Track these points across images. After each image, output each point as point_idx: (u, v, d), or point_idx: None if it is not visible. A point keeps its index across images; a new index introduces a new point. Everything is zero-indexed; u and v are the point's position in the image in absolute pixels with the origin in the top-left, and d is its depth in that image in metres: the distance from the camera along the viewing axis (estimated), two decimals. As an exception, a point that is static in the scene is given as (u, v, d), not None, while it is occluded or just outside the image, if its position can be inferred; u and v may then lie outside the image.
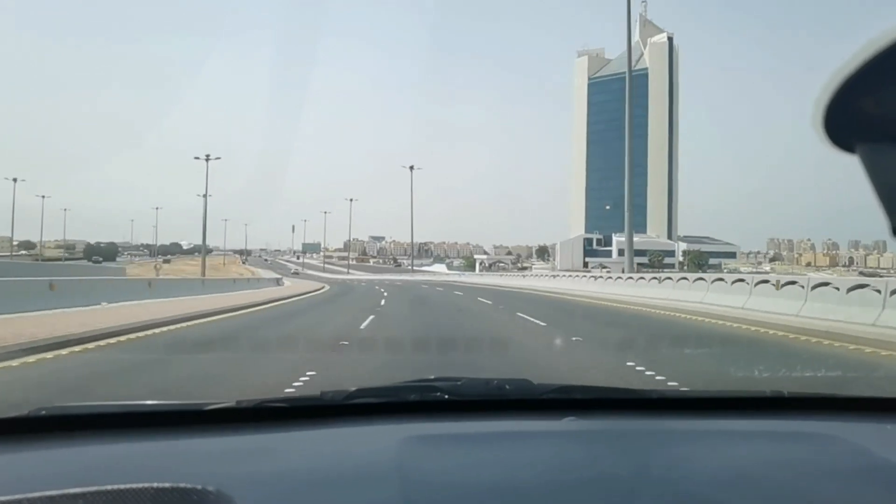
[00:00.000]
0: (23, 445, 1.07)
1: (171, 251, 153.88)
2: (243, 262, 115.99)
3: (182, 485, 0.83)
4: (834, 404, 1.47)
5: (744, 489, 0.93)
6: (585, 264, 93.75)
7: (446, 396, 1.36)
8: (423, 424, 1.26)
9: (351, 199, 65.93)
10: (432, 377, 1.50)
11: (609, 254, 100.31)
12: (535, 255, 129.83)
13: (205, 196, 37.26)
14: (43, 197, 74.78)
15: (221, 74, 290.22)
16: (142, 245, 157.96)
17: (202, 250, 42.75)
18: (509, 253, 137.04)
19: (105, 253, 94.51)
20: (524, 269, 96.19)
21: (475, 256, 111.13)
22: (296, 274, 69.63)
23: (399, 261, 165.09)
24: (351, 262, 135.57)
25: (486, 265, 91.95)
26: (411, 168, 53.28)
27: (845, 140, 0.39)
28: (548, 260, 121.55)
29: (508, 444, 1.16)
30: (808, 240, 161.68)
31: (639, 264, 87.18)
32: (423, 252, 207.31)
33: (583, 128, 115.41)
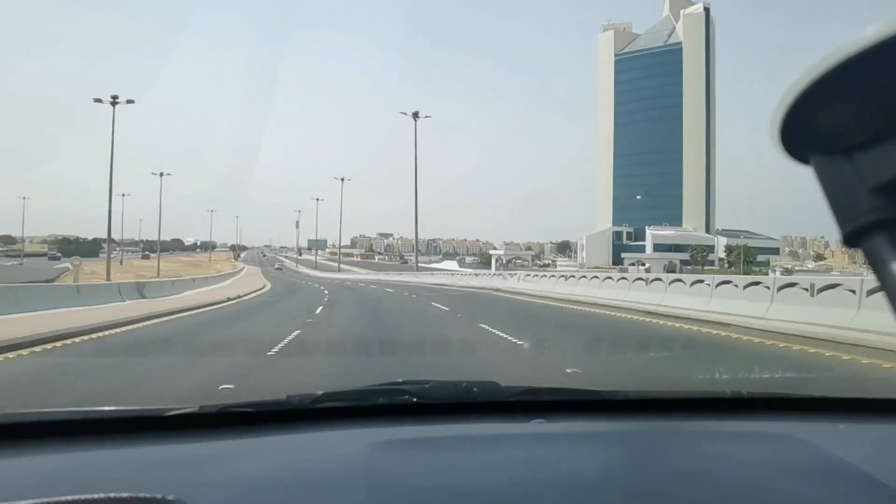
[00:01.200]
0: None
1: (172, 247, 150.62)
2: (236, 258, 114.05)
3: (141, 494, 0.80)
4: (790, 405, 1.49)
5: (705, 487, 0.96)
6: (615, 261, 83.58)
7: (414, 400, 1.35)
8: (390, 428, 1.24)
9: (343, 182, 58.20)
10: (400, 380, 1.47)
11: (642, 249, 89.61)
12: (555, 251, 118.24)
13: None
14: (24, 198, 78.91)
15: (213, 55, 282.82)
16: (143, 241, 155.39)
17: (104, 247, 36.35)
18: (529, 248, 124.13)
19: (85, 250, 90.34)
20: (545, 266, 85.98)
21: (490, 252, 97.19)
22: (279, 269, 77.61)
23: (406, 257, 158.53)
24: (355, 259, 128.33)
25: (504, 262, 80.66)
26: (415, 116, 38.83)
27: (800, 152, 0.41)
28: (569, 256, 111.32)
29: (477, 446, 1.17)
30: (822, 237, 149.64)
31: (680, 261, 77.15)
32: (432, 248, 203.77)
33: (609, 109, 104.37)
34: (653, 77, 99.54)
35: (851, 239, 0.40)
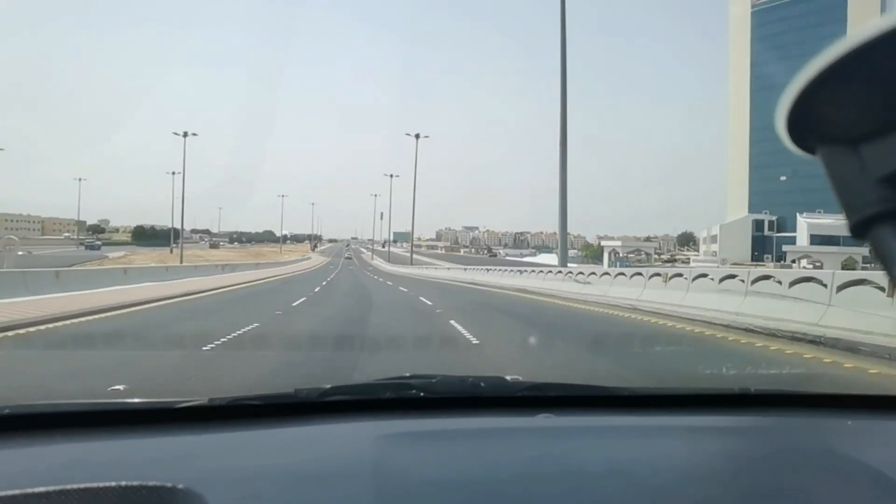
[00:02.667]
0: None
1: (264, 238, 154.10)
2: (313, 249, 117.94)
3: (150, 483, 0.82)
4: (797, 401, 1.49)
5: (711, 483, 0.97)
6: (759, 255, 67.37)
7: (421, 394, 1.36)
8: (397, 422, 1.25)
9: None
10: (407, 374, 1.48)
11: (790, 240, 71.71)
12: (673, 244, 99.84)
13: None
14: (80, 180, 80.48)
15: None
16: (235, 232, 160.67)
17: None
18: (649, 239, 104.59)
19: (157, 239, 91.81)
20: (671, 261, 71.05)
21: (603, 243, 79.45)
22: (349, 258, 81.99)
23: (494, 250, 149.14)
24: (439, 252, 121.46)
25: (620, 255, 66.24)
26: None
27: (807, 143, 0.41)
28: (691, 248, 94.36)
29: (483, 440, 1.17)
30: None
31: (862, 258, 59.88)
32: (519, 242, 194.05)
33: (743, 72, 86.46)
34: (804, 30, 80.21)
35: (857, 230, 0.39)
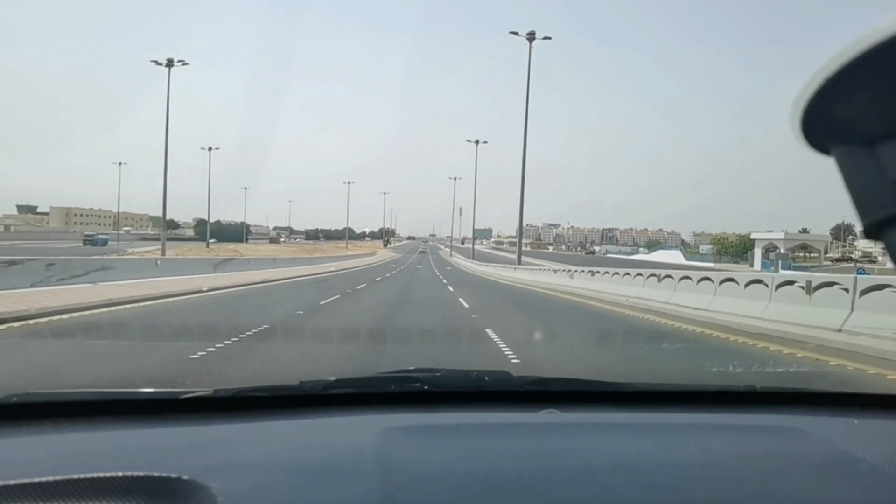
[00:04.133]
0: None
1: (342, 235, 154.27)
2: (385, 245, 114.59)
3: (156, 473, 0.82)
4: (804, 399, 1.48)
5: (716, 480, 0.96)
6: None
7: (425, 387, 1.36)
8: (402, 415, 1.26)
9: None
10: (412, 368, 1.49)
11: None
12: (830, 241, 78.68)
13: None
14: (120, 164, 76.89)
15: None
16: (319, 230, 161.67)
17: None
18: (805, 231, 79.32)
19: (225, 234, 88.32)
20: (844, 259, 54.07)
21: (754, 236, 61.30)
22: (423, 252, 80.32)
23: (590, 248, 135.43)
24: (525, 250, 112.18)
25: (782, 253, 48.49)
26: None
27: (821, 143, 0.40)
28: (850, 243, 75.36)
29: (487, 435, 1.18)
30: None
31: None
32: (608, 239, 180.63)
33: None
34: None
35: (872, 231, 0.38)
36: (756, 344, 7.29)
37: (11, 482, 0.79)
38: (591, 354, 6.73)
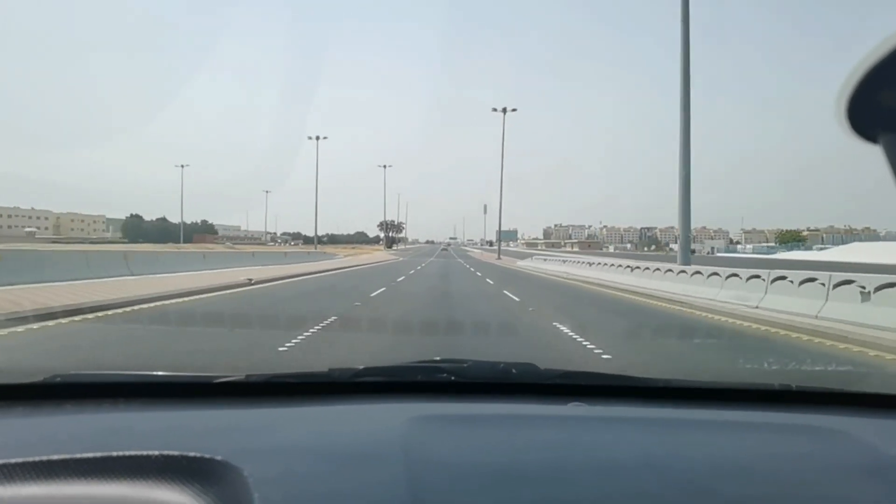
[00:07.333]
0: (37, 411, 1.13)
1: (357, 240, 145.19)
2: (388, 247, 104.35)
3: (191, 453, 0.85)
4: (842, 399, 1.42)
5: (747, 480, 0.93)
6: None
7: (452, 378, 1.37)
8: (428, 405, 1.27)
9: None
10: (438, 359, 1.49)
11: None
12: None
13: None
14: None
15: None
16: (326, 234, 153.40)
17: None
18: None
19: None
20: None
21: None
22: (445, 250, 79.59)
23: (671, 247, 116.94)
24: (572, 251, 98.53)
25: None
26: None
27: (868, 131, 0.39)
28: None
29: (513, 426, 1.17)
30: None
31: None
32: (646, 238, 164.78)
33: None
34: None
35: None
36: None
37: (55, 457, 0.82)
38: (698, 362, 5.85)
